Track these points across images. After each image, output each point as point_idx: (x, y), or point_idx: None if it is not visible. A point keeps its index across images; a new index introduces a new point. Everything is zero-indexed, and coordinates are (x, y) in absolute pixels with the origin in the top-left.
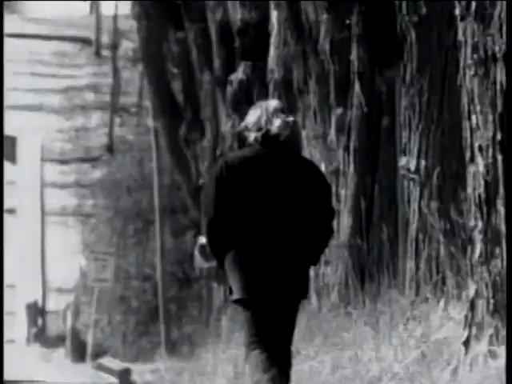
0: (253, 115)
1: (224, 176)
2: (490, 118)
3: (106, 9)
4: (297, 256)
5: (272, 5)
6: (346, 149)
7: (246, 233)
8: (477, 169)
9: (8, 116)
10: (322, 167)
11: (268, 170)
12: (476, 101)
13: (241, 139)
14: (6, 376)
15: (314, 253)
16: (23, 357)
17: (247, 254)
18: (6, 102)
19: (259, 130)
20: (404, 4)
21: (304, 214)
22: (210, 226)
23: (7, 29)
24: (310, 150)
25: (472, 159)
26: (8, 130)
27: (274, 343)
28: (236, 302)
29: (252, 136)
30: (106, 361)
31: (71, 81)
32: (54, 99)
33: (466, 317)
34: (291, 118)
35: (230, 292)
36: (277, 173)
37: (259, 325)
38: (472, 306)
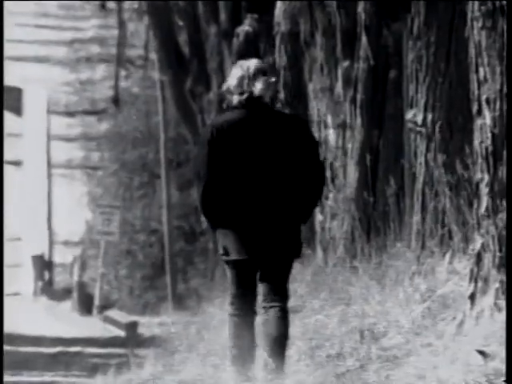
0: (234, 77)
1: (214, 139)
2: (498, 70)
3: None
4: (289, 213)
5: None
6: (353, 102)
7: (239, 194)
8: (484, 121)
9: (14, 68)
10: (329, 120)
11: (255, 132)
12: (483, 53)
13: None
14: (13, 329)
15: (306, 208)
16: (30, 310)
17: (240, 215)
18: (12, 53)
19: (242, 93)
20: None
21: (293, 171)
22: (204, 190)
23: None
24: (317, 103)
25: (479, 112)
26: (14, 82)
27: (254, 306)
28: (228, 262)
29: (236, 99)
30: (113, 314)
31: (77, 33)
32: (59, 51)
33: (471, 270)
34: (273, 79)
35: (226, 253)
36: (263, 133)
37: (246, 285)
38: (478, 259)
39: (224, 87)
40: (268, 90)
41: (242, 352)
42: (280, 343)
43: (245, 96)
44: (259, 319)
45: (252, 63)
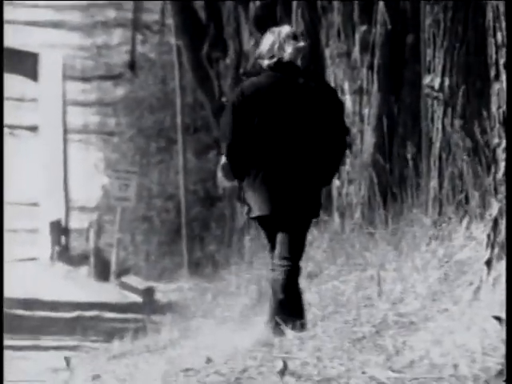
0: (266, 43)
1: (240, 103)
2: None
3: None
4: (312, 175)
5: None
6: (370, 67)
7: (264, 154)
8: (501, 86)
9: (30, 33)
10: (346, 86)
11: (282, 95)
12: (501, 17)
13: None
14: (30, 294)
15: (328, 172)
16: (47, 275)
17: (266, 174)
18: (28, 18)
19: (272, 57)
20: None
21: (318, 134)
22: (228, 150)
23: None
24: (334, 69)
25: (497, 77)
26: (30, 47)
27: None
28: (254, 218)
29: (266, 63)
30: (130, 279)
31: None
32: (75, 16)
33: (488, 236)
34: (302, 44)
35: (249, 209)
36: (291, 96)
37: (274, 241)
38: (495, 225)
39: (256, 53)
40: (298, 55)
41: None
42: (285, 304)
43: (274, 60)
44: (270, 276)
45: (283, 29)
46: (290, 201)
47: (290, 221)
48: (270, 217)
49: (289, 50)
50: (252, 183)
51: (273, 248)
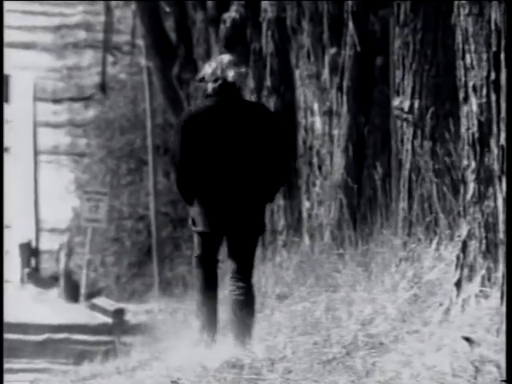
0: (209, 68)
1: (188, 125)
2: (485, 57)
3: None
4: (253, 193)
5: None
6: (340, 89)
7: (209, 174)
8: (470, 108)
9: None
10: (315, 107)
11: (226, 118)
12: (470, 40)
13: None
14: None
15: (270, 191)
16: (17, 297)
17: (208, 191)
18: None
19: (216, 80)
20: None
21: (260, 155)
22: (178, 171)
23: None
24: (304, 90)
25: (466, 99)
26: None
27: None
28: (195, 231)
29: (210, 87)
30: (100, 301)
31: (63, 19)
32: (46, 37)
33: (457, 257)
34: (243, 69)
35: (194, 223)
36: (233, 119)
37: (208, 250)
38: (464, 246)
39: (199, 76)
40: (239, 78)
41: (205, 302)
42: (244, 325)
43: (219, 82)
44: (228, 296)
45: (225, 56)
46: (231, 218)
47: (235, 239)
48: (211, 233)
49: (231, 73)
50: (197, 199)
51: (207, 254)
